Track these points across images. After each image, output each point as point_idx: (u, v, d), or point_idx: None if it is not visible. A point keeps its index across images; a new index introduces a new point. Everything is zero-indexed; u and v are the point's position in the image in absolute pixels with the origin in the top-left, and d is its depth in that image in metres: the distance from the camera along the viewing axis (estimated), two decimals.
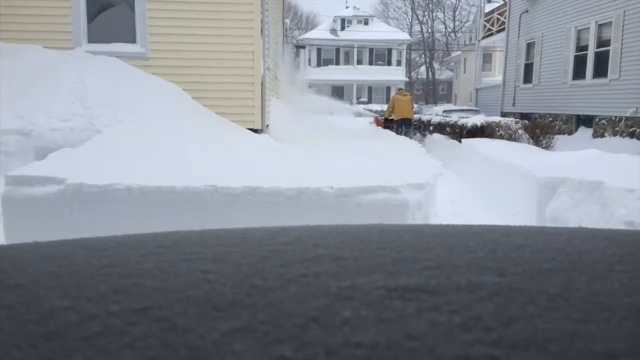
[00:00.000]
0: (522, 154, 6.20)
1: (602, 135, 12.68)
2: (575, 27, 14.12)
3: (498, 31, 21.35)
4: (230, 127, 7.07)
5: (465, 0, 53.82)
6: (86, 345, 0.31)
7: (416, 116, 13.07)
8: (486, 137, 8.61)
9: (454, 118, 12.35)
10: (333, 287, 0.42)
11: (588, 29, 13.54)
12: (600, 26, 13.08)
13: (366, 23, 39.87)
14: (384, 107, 31.53)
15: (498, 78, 21.81)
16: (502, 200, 5.73)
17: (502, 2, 20.99)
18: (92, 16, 7.47)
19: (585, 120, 13.77)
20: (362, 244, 0.57)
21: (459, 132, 9.54)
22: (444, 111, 18.84)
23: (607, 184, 3.77)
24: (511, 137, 8.88)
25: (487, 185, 6.40)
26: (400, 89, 14.09)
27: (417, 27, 54.30)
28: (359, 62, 38.65)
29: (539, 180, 4.56)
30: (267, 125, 8.10)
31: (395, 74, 38.60)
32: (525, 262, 0.50)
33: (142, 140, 4.95)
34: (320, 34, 39.47)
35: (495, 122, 9.34)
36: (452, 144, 9.26)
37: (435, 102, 44.39)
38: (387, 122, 11.59)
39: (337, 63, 38.92)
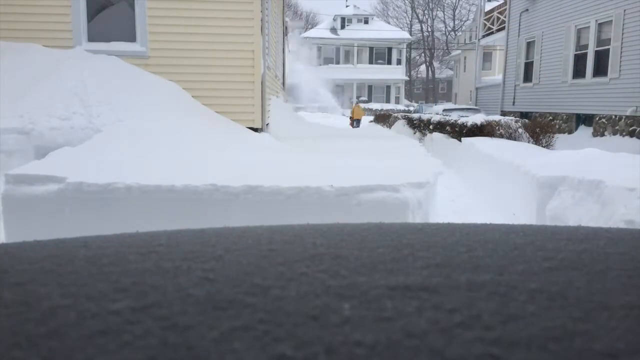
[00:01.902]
0: (522, 153, 6.19)
1: (602, 134, 12.68)
2: (575, 26, 14.11)
3: (498, 30, 21.33)
4: (231, 126, 7.07)
5: None
6: (86, 344, 0.31)
7: (415, 115, 13.82)
8: (486, 136, 8.60)
9: (453, 117, 12.33)
10: (333, 286, 0.42)
11: (588, 27, 13.53)
12: (600, 25, 13.08)
13: (366, 22, 39.85)
14: (384, 105, 32.23)
15: (498, 77, 21.82)
16: (502, 199, 5.73)
17: (502, 1, 20.98)
18: (92, 15, 7.47)
19: (585, 119, 13.78)
20: (362, 243, 0.57)
21: (459, 131, 9.53)
22: (444, 110, 18.85)
23: (607, 182, 3.77)
24: (511, 136, 8.87)
25: (487, 184, 6.40)
26: (358, 100, 23.12)
27: (417, 26, 54.31)
28: (359, 61, 38.64)
29: (538, 179, 4.56)
30: (267, 124, 8.10)
31: (395, 73, 38.58)
32: (525, 261, 0.50)
33: (142, 139, 4.96)
34: (320, 32, 39.45)
35: (495, 121, 9.32)
36: (452, 143, 9.26)
37: (435, 101, 44.38)
38: (351, 120, 20.76)
39: (337, 62, 38.91)
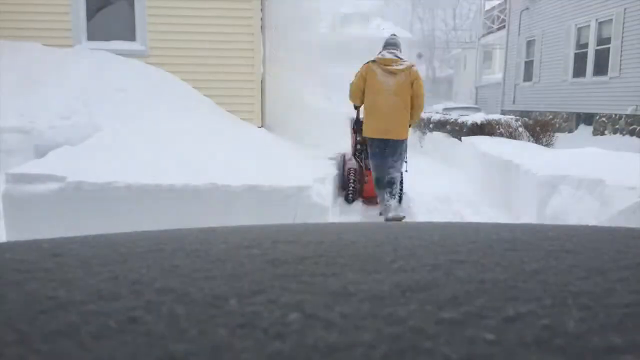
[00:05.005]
0: (522, 152, 6.20)
1: (602, 133, 12.68)
2: (576, 24, 14.11)
3: (498, 29, 21.34)
4: (236, 123, 7.06)
5: None
6: (85, 344, 0.31)
7: None
8: (486, 135, 8.60)
9: (454, 116, 12.32)
10: (333, 285, 0.42)
11: (588, 26, 13.53)
12: (601, 24, 13.07)
13: (366, 21, 39.83)
14: None
15: (498, 76, 21.80)
16: (502, 198, 5.74)
17: (503, 0, 20.97)
18: (91, 14, 7.47)
19: (585, 118, 13.77)
20: (362, 242, 0.57)
21: (459, 130, 9.53)
22: (444, 109, 18.82)
23: (607, 181, 3.77)
24: (511, 135, 8.87)
25: (488, 183, 6.41)
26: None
27: (417, 25, 54.24)
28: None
29: (539, 178, 4.56)
30: (267, 124, 8.10)
31: None
32: (525, 260, 0.50)
33: (143, 137, 4.95)
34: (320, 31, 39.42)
35: (495, 120, 9.32)
36: (452, 142, 9.26)
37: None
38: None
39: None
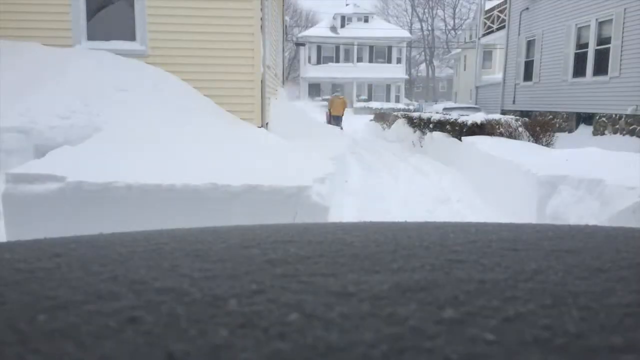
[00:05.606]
0: (522, 152, 6.20)
1: (602, 133, 12.68)
2: (576, 24, 14.11)
3: (498, 29, 21.32)
4: (234, 123, 7.06)
5: None
6: (85, 344, 0.31)
7: (415, 114, 13.82)
8: (486, 134, 8.59)
9: (454, 116, 12.31)
10: (333, 285, 0.42)
11: (588, 26, 13.53)
12: (601, 24, 13.07)
13: (366, 20, 39.81)
14: (384, 104, 31.77)
15: (498, 76, 21.79)
16: (503, 198, 5.73)
17: (502, 0, 20.96)
18: (91, 14, 7.47)
19: (585, 118, 13.77)
20: (362, 242, 0.57)
21: (459, 130, 9.51)
22: (444, 109, 18.81)
23: (607, 181, 3.77)
24: (511, 134, 8.85)
25: (488, 183, 6.40)
26: (336, 92, 22.79)
27: (417, 25, 54.31)
28: (359, 59, 38.59)
29: (539, 178, 4.56)
30: (267, 123, 8.10)
31: (395, 72, 38.55)
32: (526, 260, 0.50)
33: (143, 137, 4.95)
34: (320, 31, 39.40)
35: (495, 119, 9.30)
36: (452, 142, 9.25)
37: (435, 100, 44.38)
38: (328, 116, 19.20)
39: (337, 61, 38.87)
